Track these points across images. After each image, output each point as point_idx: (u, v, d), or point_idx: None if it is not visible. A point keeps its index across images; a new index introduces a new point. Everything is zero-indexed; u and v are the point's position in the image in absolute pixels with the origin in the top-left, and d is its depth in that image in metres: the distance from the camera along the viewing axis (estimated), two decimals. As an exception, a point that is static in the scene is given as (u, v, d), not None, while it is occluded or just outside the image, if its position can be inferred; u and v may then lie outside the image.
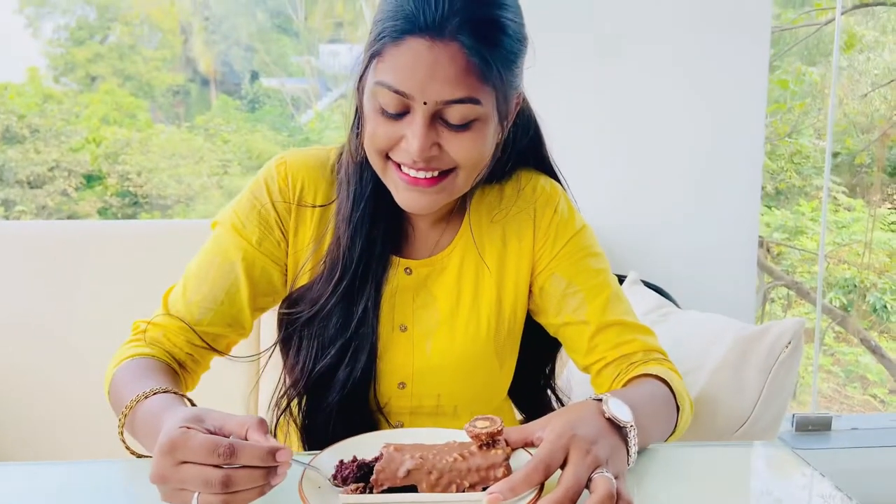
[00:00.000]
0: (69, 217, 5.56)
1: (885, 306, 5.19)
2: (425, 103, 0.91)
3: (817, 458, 0.98)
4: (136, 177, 5.79)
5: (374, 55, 0.94)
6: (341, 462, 0.79)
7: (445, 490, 0.75)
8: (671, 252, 2.02)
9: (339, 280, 1.05)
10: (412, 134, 0.93)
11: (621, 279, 1.75)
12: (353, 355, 1.05)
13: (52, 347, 1.67)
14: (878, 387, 5.19)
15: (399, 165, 0.98)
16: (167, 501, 0.74)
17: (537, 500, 0.72)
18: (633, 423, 0.83)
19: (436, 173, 0.98)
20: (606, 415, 0.83)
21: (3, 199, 5.48)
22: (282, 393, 1.12)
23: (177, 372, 1.05)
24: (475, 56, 0.90)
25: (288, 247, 1.10)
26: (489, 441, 0.77)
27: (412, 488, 0.75)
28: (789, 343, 1.20)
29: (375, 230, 1.06)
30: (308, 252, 1.09)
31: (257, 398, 1.69)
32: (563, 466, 0.75)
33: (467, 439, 0.79)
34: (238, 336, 1.11)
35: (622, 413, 0.83)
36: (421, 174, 0.97)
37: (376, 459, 0.77)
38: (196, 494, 0.71)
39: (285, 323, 1.12)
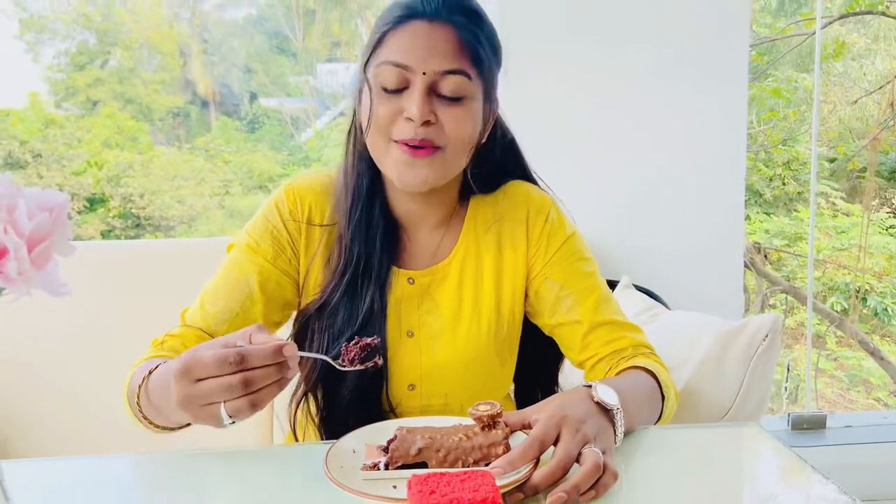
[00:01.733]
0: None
1: (886, 309, 5.21)
2: (424, 73, 1.02)
3: (812, 456, 1.02)
4: (139, 199, 5.84)
5: (376, 45, 1.06)
6: (346, 346, 0.89)
7: (452, 466, 0.83)
8: (661, 258, 2.06)
9: (343, 273, 1.12)
10: (412, 101, 1.03)
11: (614, 284, 1.80)
12: None
13: (85, 359, 1.73)
14: (881, 390, 5.19)
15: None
16: (199, 422, 0.80)
17: (533, 472, 0.80)
18: (619, 407, 0.91)
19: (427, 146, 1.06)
20: (595, 399, 0.90)
21: (8, 224, 5.50)
22: (297, 385, 1.18)
23: None
24: (467, 33, 1.04)
25: (299, 264, 1.17)
26: (490, 423, 0.86)
27: (423, 465, 0.84)
28: (766, 337, 1.26)
29: (371, 232, 1.14)
30: (319, 268, 1.16)
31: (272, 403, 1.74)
32: (555, 444, 0.83)
33: (471, 422, 0.87)
34: None
35: (609, 397, 0.91)
36: (419, 148, 1.05)
37: (391, 440, 0.85)
38: (223, 404, 0.77)
39: (298, 316, 1.18)
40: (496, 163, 1.20)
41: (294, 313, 1.20)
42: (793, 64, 5.37)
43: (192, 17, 6.35)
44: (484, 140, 1.13)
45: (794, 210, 5.77)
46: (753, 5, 5.47)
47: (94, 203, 5.80)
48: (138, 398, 0.95)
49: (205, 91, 6.24)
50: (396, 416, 1.15)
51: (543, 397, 1.31)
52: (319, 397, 1.16)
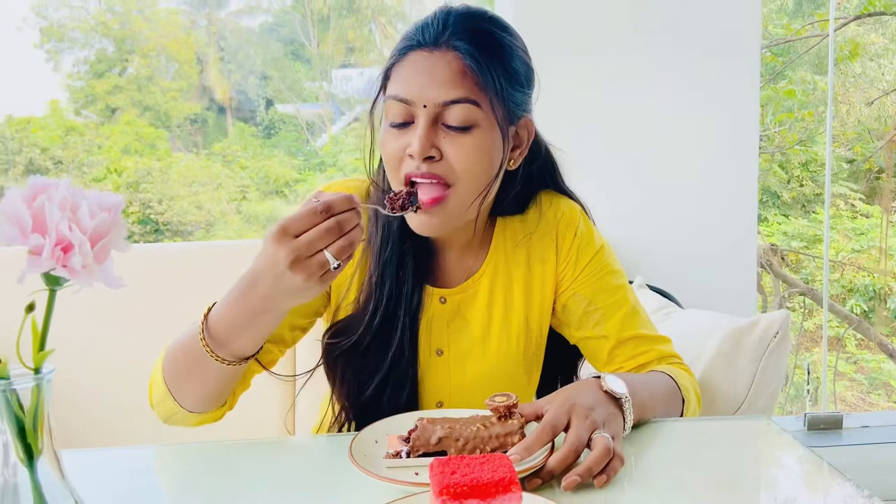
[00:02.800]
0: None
1: (907, 311, 5.18)
2: (425, 106, 1.00)
3: (829, 455, 1.03)
4: (158, 204, 5.90)
5: (384, 80, 1.05)
6: (389, 197, 1.00)
7: (471, 454, 0.87)
8: (675, 258, 2.07)
9: (373, 315, 1.10)
10: (414, 135, 1.00)
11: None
12: (395, 388, 1.10)
13: (100, 361, 1.76)
14: (901, 393, 5.15)
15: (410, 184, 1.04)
16: (310, 281, 0.86)
17: (548, 458, 0.84)
18: (627, 396, 0.94)
19: (435, 181, 1.02)
20: (604, 388, 0.94)
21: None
22: (332, 421, 1.16)
23: None
24: (470, 59, 1.00)
25: None
26: (506, 413, 0.89)
27: (443, 453, 0.87)
28: (777, 333, 1.27)
29: (403, 268, 1.11)
30: (351, 281, 1.13)
31: (294, 418, 1.75)
32: (566, 430, 0.87)
33: (488, 413, 0.91)
34: (279, 352, 1.14)
35: (618, 386, 0.94)
36: (424, 181, 1.02)
37: (413, 430, 0.88)
38: (326, 251, 0.85)
39: (327, 352, 1.15)
40: (531, 179, 1.18)
41: (317, 321, 1.19)
42: (809, 65, 5.35)
43: (208, 24, 6.42)
44: (515, 166, 1.11)
45: (812, 212, 5.73)
46: (770, 6, 5.46)
47: (113, 209, 5.86)
48: (203, 336, 0.94)
49: (222, 98, 6.30)
50: None
51: None
52: (352, 418, 1.15)
